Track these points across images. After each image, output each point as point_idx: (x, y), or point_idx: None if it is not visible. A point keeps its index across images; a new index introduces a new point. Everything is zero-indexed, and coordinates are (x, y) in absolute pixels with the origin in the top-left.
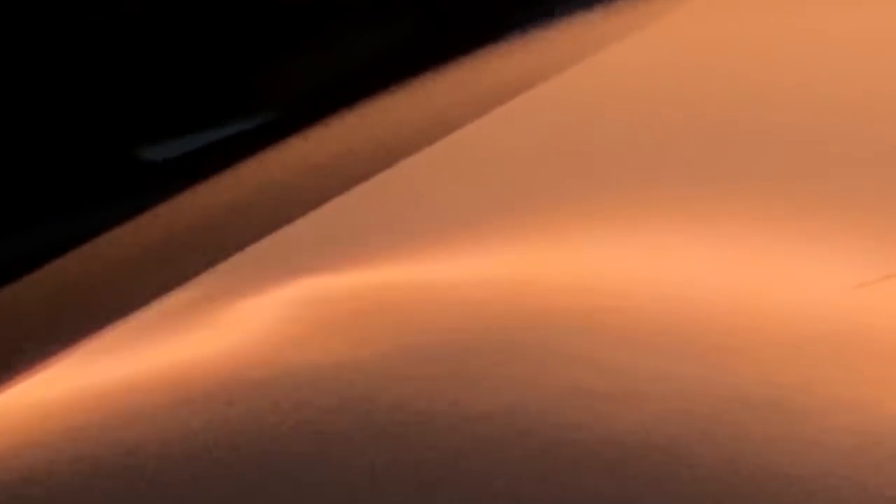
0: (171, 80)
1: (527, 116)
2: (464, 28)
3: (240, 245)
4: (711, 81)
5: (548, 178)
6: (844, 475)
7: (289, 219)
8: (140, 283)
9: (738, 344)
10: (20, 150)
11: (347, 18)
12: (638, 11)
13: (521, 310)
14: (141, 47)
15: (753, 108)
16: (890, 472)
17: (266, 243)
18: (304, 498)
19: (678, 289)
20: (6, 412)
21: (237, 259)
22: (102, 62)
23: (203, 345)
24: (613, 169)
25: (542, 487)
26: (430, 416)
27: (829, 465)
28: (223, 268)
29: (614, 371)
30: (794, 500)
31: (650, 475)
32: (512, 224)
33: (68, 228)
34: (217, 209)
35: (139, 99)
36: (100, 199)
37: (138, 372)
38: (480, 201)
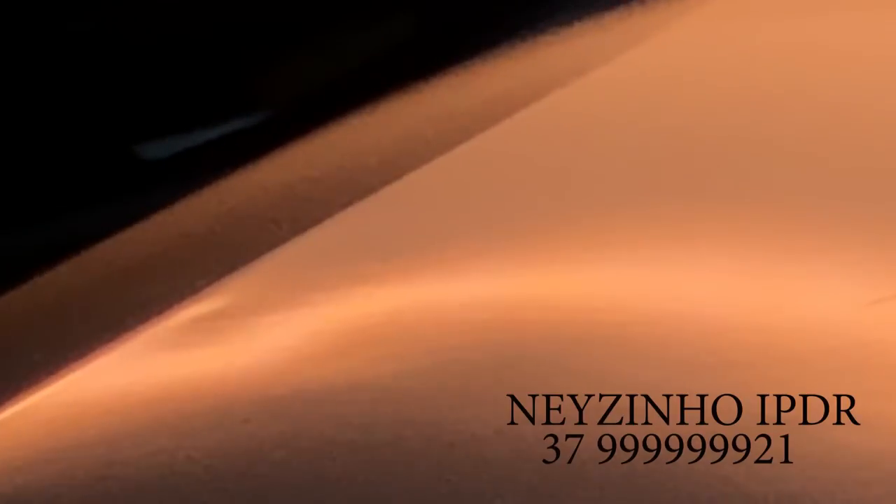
0: (169, 75)
1: (533, 129)
2: (468, 28)
3: (247, 257)
4: (722, 95)
5: (555, 194)
6: (852, 492)
7: (294, 231)
8: (144, 294)
9: (750, 359)
10: (14, 147)
11: (349, 14)
12: (644, 18)
13: (530, 327)
14: (139, 42)
15: (763, 122)
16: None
17: (273, 257)
18: None
19: (688, 305)
20: (18, 425)
21: (245, 272)
22: (99, 59)
23: (217, 361)
24: (622, 184)
25: None
26: (445, 435)
27: (840, 482)
28: (231, 281)
29: (625, 387)
30: None
31: (664, 491)
32: (518, 240)
33: (68, 229)
34: (220, 217)
35: (137, 96)
36: (99, 198)
37: (152, 387)
38: (486, 217)
